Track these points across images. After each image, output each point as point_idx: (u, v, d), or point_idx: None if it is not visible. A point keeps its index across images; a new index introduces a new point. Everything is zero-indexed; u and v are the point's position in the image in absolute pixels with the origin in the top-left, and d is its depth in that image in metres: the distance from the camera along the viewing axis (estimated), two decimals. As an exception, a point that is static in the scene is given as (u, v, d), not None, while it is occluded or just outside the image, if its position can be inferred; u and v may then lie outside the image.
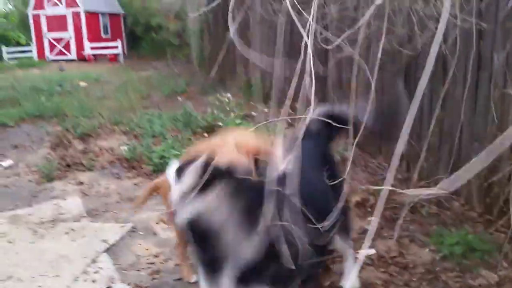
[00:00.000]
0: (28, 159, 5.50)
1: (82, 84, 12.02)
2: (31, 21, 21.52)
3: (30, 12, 21.24)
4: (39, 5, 21.22)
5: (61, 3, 21.04)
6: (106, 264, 2.94)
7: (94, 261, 2.96)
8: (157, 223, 3.59)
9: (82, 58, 20.70)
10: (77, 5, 20.84)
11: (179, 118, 6.61)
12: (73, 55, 21.12)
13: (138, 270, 2.88)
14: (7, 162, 5.34)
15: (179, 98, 8.69)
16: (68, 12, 21.02)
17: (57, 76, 14.28)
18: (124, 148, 5.47)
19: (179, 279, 2.74)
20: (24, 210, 3.94)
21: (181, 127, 6.22)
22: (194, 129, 6.04)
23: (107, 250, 3.11)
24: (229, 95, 7.06)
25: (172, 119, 6.71)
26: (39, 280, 2.74)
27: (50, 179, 4.67)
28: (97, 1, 22.12)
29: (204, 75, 11.32)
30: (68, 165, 5.03)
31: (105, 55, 20.33)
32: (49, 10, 21.18)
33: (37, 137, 6.56)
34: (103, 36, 22.21)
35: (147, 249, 3.16)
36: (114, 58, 20.22)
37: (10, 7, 27.37)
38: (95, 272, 2.83)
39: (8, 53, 21.27)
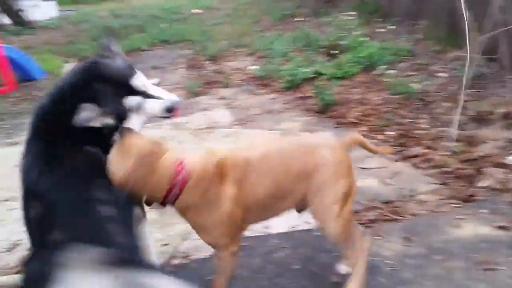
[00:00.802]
0: (170, 78, 6.14)
1: (195, 11, 12.53)
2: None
3: None
4: None
5: None
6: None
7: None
8: (301, 130, 3.96)
9: (187, -14, 21.17)
10: None
11: (299, 38, 6.80)
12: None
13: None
14: (153, 81, 6.01)
15: (296, 19, 8.78)
16: None
17: (169, 4, 14.96)
18: (254, 67, 5.86)
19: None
20: (181, 118, 4.53)
21: (303, 46, 6.42)
22: (315, 49, 6.21)
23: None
24: (349, 14, 7.04)
25: (292, 40, 6.92)
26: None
27: (195, 94, 5.23)
28: None
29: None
30: (208, 83, 5.56)
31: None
32: None
33: (171, 59, 7.20)
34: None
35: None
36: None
37: None
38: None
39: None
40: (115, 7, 15.99)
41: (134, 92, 1.79)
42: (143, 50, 7.96)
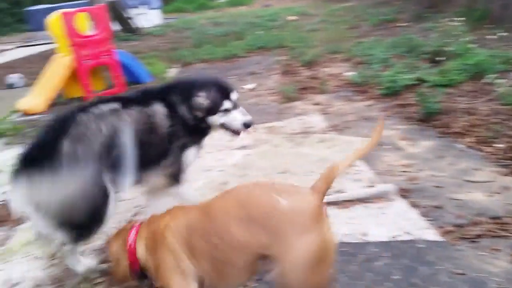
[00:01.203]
0: (265, 83, 6.27)
1: (291, 18, 12.67)
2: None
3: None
4: None
5: None
6: (364, 168, 3.31)
7: (354, 164, 3.37)
8: (400, 139, 3.81)
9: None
10: None
11: (400, 44, 6.57)
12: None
13: (395, 176, 3.18)
14: (250, 85, 6.19)
15: (395, 25, 8.51)
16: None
17: (265, 12, 15.31)
18: (351, 73, 5.77)
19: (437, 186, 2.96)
20: (276, 123, 4.60)
21: (404, 53, 6.19)
22: (418, 55, 5.96)
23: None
24: (454, 20, 6.65)
25: (392, 46, 6.71)
26: (310, 175, 3.26)
27: (290, 99, 5.28)
28: None
29: (413, 2, 10.79)
30: (303, 88, 5.58)
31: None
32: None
33: (267, 65, 7.35)
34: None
35: (398, 160, 3.43)
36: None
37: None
38: (356, 173, 3.24)
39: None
40: (214, 15, 16.74)
41: (230, 100, 2.46)
42: (240, 57, 8.21)
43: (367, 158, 3.49)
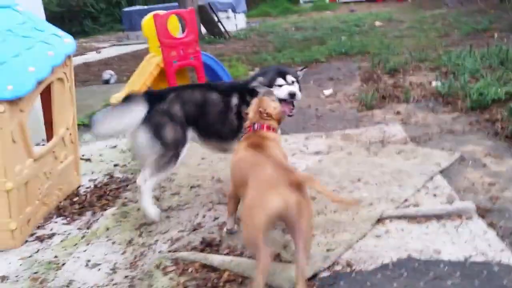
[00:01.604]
0: (345, 89, 6.20)
1: (377, 23, 12.40)
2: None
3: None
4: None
5: None
6: (443, 183, 3.17)
7: (431, 178, 3.24)
8: (485, 156, 3.60)
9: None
10: None
11: (493, 55, 6.18)
12: (362, -4, 21.72)
13: (475, 194, 3.00)
14: (328, 91, 6.16)
15: (489, 35, 8.01)
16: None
17: (350, 17, 15.10)
18: (437, 83, 5.53)
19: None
20: (353, 130, 4.54)
21: (497, 64, 5.81)
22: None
23: (441, 172, 3.34)
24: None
25: (483, 56, 6.33)
26: (384, 186, 3.19)
27: (369, 107, 5.18)
28: None
29: (510, 11, 10.06)
30: (384, 97, 5.45)
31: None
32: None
33: (347, 71, 7.26)
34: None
35: (481, 177, 3.24)
36: (402, -3, 19.88)
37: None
38: (434, 188, 3.10)
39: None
40: (298, 20, 16.82)
41: (284, 79, 3.13)
42: (321, 62, 8.19)
43: (447, 173, 3.34)
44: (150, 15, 6.64)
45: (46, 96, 3.47)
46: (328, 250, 2.47)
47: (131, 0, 21.21)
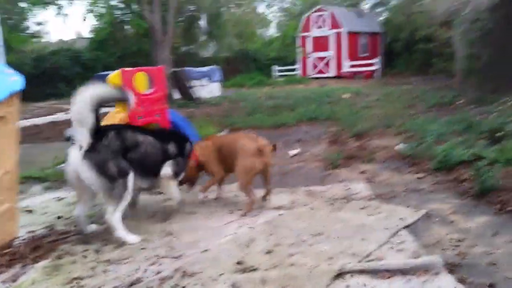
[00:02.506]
0: (311, 150, 6.10)
1: (345, 95, 12.73)
2: (299, 43, 24.13)
3: (299, 35, 23.85)
4: (306, 28, 23.65)
5: (325, 26, 22.93)
6: (408, 238, 2.95)
7: (396, 234, 3.02)
8: (452, 213, 3.43)
9: (339, 76, 22.01)
10: (341, 27, 22.33)
11: (457, 122, 6.27)
12: (331, 73, 22.67)
13: (443, 249, 2.79)
14: (294, 151, 6.05)
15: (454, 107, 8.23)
16: (331, 33, 22.73)
17: (321, 90, 15.55)
18: (401, 146, 5.50)
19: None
20: (317, 187, 4.35)
21: (461, 130, 5.87)
22: (476, 132, 5.61)
23: (406, 228, 3.14)
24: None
25: (448, 123, 6.42)
26: (346, 240, 2.94)
27: (335, 166, 5.04)
28: (359, 21, 23.22)
29: (474, 87, 10.48)
30: (350, 157, 5.35)
31: (361, 72, 21.11)
32: (315, 32, 23.35)
33: (315, 134, 7.23)
34: (361, 54, 23.12)
35: (448, 234, 3.05)
36: (370, 75, 20.80)
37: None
38: (399, 243, 2.88)
39: (278, 71, 24.42)
40: (271, 90, 17.25)
41: None
42: (290, 126, 8.19)
43: (413, 228, 3.15)
44: (117, 71, 6.56)
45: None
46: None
47: (108, 66, 21.44)
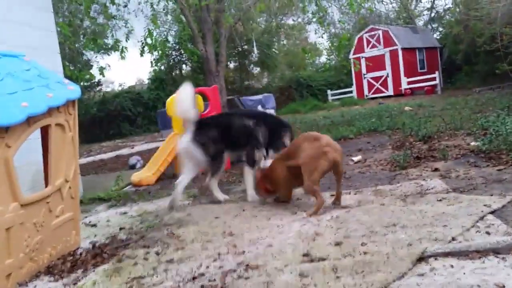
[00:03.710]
0: (374, 156, 5.78)
1: (407, 108, 12.21)
2: (352, 65, 23.85)
3: (351, 56, 23.55)
4: (359, 49, 23.35)
5: (379, 44, 22.52)
6: (497, 222, 2.59)
7: (482, 218, 2.67)
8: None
9: (398, 94, 21.34)
10: (395, 44, 21.83)
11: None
12: (389, 91, 22.04)
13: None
14: (356, 158, 5.75)
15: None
16: (386, 52, 22.26)
17: (378, 107, 15.07)
18: (476, 143, 5.07)
19: None
20: (385, 187, 4.04)
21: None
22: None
23: (492, 213, 2.78)
24: None
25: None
26: (425, 228, 2.62)
27: (403, 167, 4.70)
28: (414, 37, 22.62)
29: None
30: (418, 157, 4.98)
31: (422, 87, 20.36)
32: (368, 53, 22.98)
33: (377, 143, 6.88)
34: (419, 70, 22.38)
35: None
36: (431, 90, 20.00)
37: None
38: (486, 227, 2.53)
39: (332, 95, 24.13)
40: (326, 113, 16.98)
41: None
42: (349, 138, 7.89)
43: (500, 213, 2.77)
44: (174, 95, 6.68)
45: (48, 144, 3.25)
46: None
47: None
